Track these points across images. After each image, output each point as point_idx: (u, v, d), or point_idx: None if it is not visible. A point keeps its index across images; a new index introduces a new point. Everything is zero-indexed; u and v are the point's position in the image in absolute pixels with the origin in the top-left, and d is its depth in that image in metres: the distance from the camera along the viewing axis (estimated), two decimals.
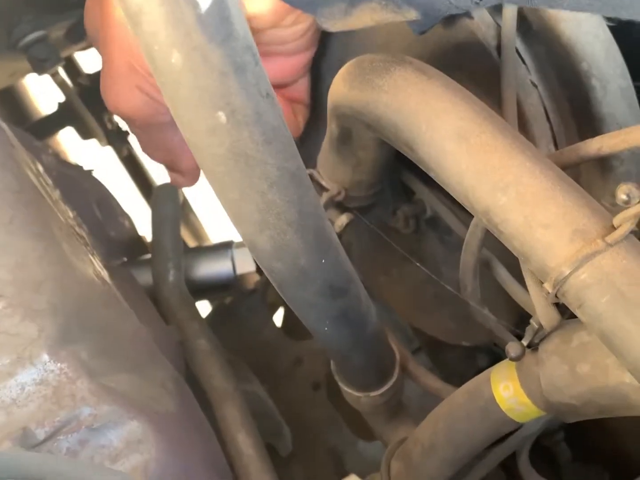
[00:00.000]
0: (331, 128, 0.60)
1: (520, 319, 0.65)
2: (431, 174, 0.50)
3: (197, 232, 1.22)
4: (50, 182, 0.80)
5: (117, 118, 1.39)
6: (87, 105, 1.34)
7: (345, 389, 0.71)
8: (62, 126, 1.41)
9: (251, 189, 0.42)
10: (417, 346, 0.98)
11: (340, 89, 0.55)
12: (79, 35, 1.05)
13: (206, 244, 1.24)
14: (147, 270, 0.92)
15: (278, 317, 1.16)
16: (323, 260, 0.49)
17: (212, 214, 1.39)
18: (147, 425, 0.60)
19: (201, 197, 1.32)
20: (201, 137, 0.40)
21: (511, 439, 0.64)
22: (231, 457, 0.80)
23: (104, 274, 0.74)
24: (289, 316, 1.16)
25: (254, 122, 0.40)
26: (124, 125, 1.40)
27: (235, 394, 0.84)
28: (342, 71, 0.55)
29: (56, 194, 0.81)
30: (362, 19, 0.55)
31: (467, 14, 0.56)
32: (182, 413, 0.67)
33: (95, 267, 0.72)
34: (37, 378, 0.58)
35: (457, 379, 0.81)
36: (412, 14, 0.53)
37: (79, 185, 0.96)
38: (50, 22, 1.00)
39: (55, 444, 0.56)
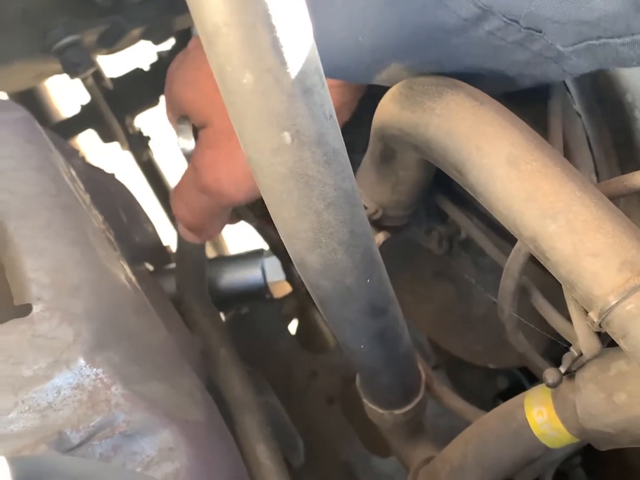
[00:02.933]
0: (374, 147, 0.60)
1: (550, 344, 0.66)
2: (479, 199, 0.51)
3: (217, 242, 1.23)
4: (82, 186, 0.81)
5: (138, 122, 1.41)
6: (111, 108, 1.35)
7: (369, 405, 0.72)
8: (83, 129, 1.42)
9: (308, 208, 0.43)
10: (435, 364, 0.98)
11: (390, 109, 0.55)
12: (111, 41, 1.06)
13: (226, 253, 1.25)
14: (171, 279, 0.92)
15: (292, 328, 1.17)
16: (368, 280, 0.49)
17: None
18: (178, 434, 0.60)
19: None
20: (265, 155, 0.41)
21: (537, 464, 0.64)
22: (250, 467, 0.81)
23: (134, 280, 0.75)
24: (303, 328, 1.16)
25: (316, 143, 0.41)
26: (145, 130, 1.41)
27: (255, 405, 0.84)
28: (391, 91, 0.56)
29: (87, 198, 0.82)
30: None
31: None
32: (209, 422, 0.68)
33: (126, 273, 0.73)
34: (73, 382, 0.58)
35: (476, 400, 0.82)
36: (527, 84, 0.55)
37: (106, 190, 0.97)
38: (84, 27, 1.01)
39: (89, 448, 0.57)
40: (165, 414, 0.61)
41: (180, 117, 0.79)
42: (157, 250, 1.02)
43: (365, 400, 0.72)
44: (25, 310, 0.60)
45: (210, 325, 0.88)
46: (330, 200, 0.43)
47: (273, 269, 0.94)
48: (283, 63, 0.38)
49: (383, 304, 0.53)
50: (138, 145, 1.39)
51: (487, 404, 0.87)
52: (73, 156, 0.91)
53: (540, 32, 0.48)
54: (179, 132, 0.80)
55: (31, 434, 0.55)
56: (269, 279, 0.93)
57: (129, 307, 0.67)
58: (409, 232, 0.70)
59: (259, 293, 0.94)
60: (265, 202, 0.44)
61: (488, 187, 0.49)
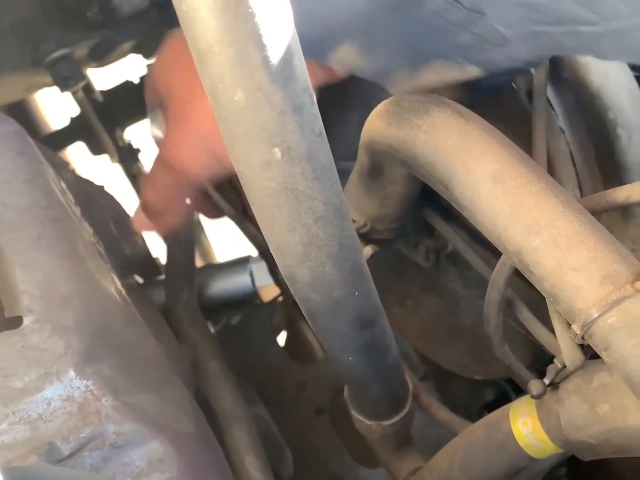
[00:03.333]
0: (362, 161, 0.61)
1: (534, 356, 0.67)
2: (464, 213, 0.52)
3: (205, 251, 1.23)
4: (72, 199, 0.82)
5: (128, 135, 1.41)
6: (101, 121, 1.35)
7: (357, 416, 0.73)
8: (73, 141, 1.42)
9: (298, 223, 0.44)
10: (422, 375, 0.99)
11: (377, 125, 0.56)
12: (101, 54, 1.07)
13: (213, 262, 1.26)
14: (160, 291, 0.93)
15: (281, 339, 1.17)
16: (356, 293, 0.50)
17: (218, 234, 1.40)
18: (168, 445, 0.61)
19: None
20: (256, 171, 0.41)
21: (522, 474, 0.65)
22: (239, 479, 0.81)
23: (124, 292, 0.76)
24: (292, 339, 1.17)
25: (306, 159, 0.41)
26: (135, 143, 1.41)
27: (245, 417, 0.85)
28: (379, 108, 0.57)
29: (78, 210, 0.82)
30: (426, 80, 0.56)
31: None
32: (198, 433, 0.68)
33: (116, 285, 0.73)
34: (63, 394, 0.58)
35: (463, 411, 0.83)
36: (475, 71, 0.55)
37: (95, 202, 0.97)
38: (74, 40, 1.02)
39: (80, 460, 0.57)
40: (155, 425, 0.61)
41: (152, 105, 0.80)
42: (147, 262, 1.02)
43: (353, 412, 0.73)
44: (15, 322, 0.60)
45: (200, 337, 0.89)
46: (319, 215, 0.44)
47: (261, 273, 0.95)
48: (274, 81, 0.39)
49: (371, 316, 0.54)
50: (128, 157, 1.39)
51: (473, 415, 0.87)
52: (63, 168, 0.91)
53: (483, 13, 0.49)
54: (151, 120, 0.81)
55: (22, 445, 0.56)
56: (258, 283, 0.94)
57: (118, 318, 0.68)
58: (397, 245, 0.71)
59: (249, 299, 0.95)
60: (256, 216, 0.45)
61: (473, 202, 0.50)
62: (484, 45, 0.51)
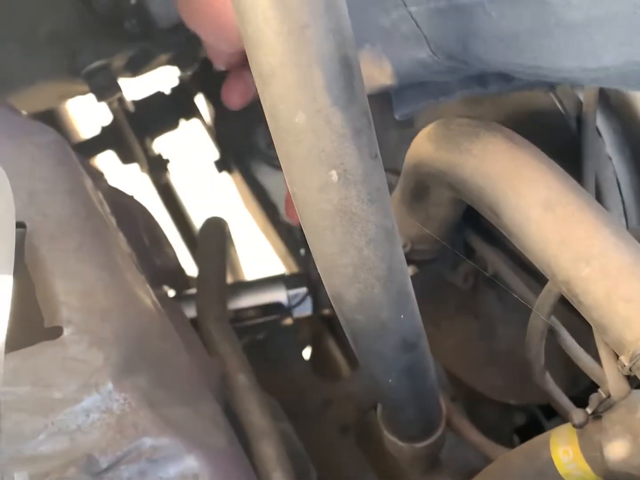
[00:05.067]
0: (406, 182, 0.61)
1: (571, 383, 0.67)
2: (512, 239, 0.52)
3: (234, 267, 1.23)
4: (108, 209, 0.82)
5: (158, 145, 1.42)
6: (132, 130, 1.36)
7: (389, 437, 0.72)
8: (103, 149, 1.43)
9: (350, 245, 0.44)
10: (452, 396, 0.98)
11: (426, 147, 0.56)
12: (138, 66, 1.07)
13: (241, 277, 1.26)
14: (190, 303, 0.93)
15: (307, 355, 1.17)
16: (402, 316, 0.50)
17: (248, 250, 1.41)
18: (203, 460, 0.61)
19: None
20: (311, 193, 0.42)
21: None
22: None
23: (159, 304, 0.76)
24: (317, 356, 1.16)
25: (362, 182, 0.41)
26: (165, 154, 1.42)
27: (273, 432, 0.85)
28: (427, 130, 0.57)
29: (113, 221, 0.83)
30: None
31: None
32: (230, 449, 0.68)
33: (152, 297, 0.73)
34: (101, 406, 0.58)
35: (492, 434, 0.82)
36: (387, 69, 0.51)
37: (129, 213, 0.98)
38: (113, 51, 1.02)
39: (117, 473, 0.57)
40: (190, 440, 0.61)
41: None
42: (178, 274, 1.02)
43: (385, 432, 0.72)
44: (55, 332, 0.61)
45: (230, 351, 0.88)
46: (371, 237, 0.44)
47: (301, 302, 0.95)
48: (335, 104, 0.39)
49: (414, 338, 0.54)
50: (157, 168, 1.40)
51: (503, 439, 0.87)
52: (98, 178, 0.92)
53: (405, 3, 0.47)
54: None
55: (60, 457, 0.56)
56: (297, 315, 0.94)
57: (154, 331, 0.68)
58: (436, 267, 0.71)
59: (282, 311, 0.95)
60: (307, 238, 0.45)
61: (523, 229, 0.50)
62: (396, 37, 0.49)
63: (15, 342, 0.63)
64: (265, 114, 0.40)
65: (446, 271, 0.73)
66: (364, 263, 0.45)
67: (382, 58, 0.50)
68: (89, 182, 0.77)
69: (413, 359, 0.55)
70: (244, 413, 0.85)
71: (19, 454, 0.55)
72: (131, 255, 0.79)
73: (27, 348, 0.59)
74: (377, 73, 0.51)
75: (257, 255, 1.44)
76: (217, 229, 0.98)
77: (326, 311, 1.06)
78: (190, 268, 1.08)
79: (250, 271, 1.33)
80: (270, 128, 0.40)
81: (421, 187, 0.60)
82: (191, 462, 0.60)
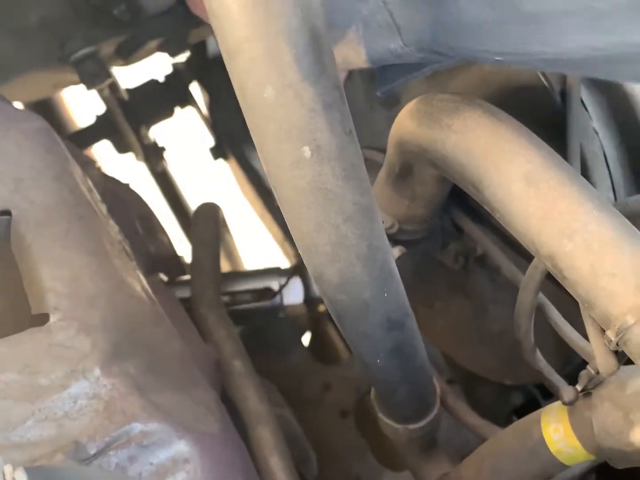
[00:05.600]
0: (391, 161, 0.61)
1: (564, 361, 0.66)
2: (496, 215, 0.51)
3: (230, 253, 1.23)
4: (98, 197, 0.82)
5: (153, 133, 1.41)
6: (126, 119, 1.36)
7: (384, 419, 0.72)
8: (99, 139, 1.42)
9: (326, 222, 0.43)
10: (449, 378, 0.98)
11: (407, 124, 0.55)
12: (128, 53, 1.07)
13: (238, 265, 1.25)
14: (185, 290, 0.93)
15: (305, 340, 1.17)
16: (385, 294, 0.49)
17: (246, 237, 1.40)
18: (193, 445, 0.60)
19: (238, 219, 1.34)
20: (284, 170, 0.41)
21: None
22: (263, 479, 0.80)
23: (150, 290, 0.75)
24: (316, 340, 1.16)
25: (336, 158, 0.41)
26: (160, 142, 1.41)
27: (270, 417, 0.84)
28: (409, 107, 0.56)
29: (104, 208, 0.82)
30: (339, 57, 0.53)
31: None
32: (224, 434, 0.68)
33: (142, 283, 0.73)
34: (89, 392, 0.58)
35: (490, 415, 0.82)
36: (362, 57, 0.52)
37: (122, 200, 0.97)
38: (101, 38, 1.02)
39: (105, 459, 0.57)
40: (181, 425, 0.61)
41: None
42: (172, 261, 1.02)
43: (380, 415, 0.72)
44: (42, 319, 0.60)
45: (225, 336, 0.88)
46: (348, 214, 0.43)
47: (292, 290, 0.94)
48: (304, 78, 0.38)
49: (400, 317, 0.53)
50: (153, 156, 1.39)
51: (501, 420, 0.86)
52: (89, 166, 0.91)
53: None
54: None
55: (48, 443, 0.55)
56: (286, 302, 0.93)
57: (145, 317, 0.68)
58: (425, 247, 0.71)
59: (274, 311, 0.94)
60: (284, 216, 0.44)
61: (505, 204, 0.49)
62: (372, 25, 0.49)
63: (1, 329, 0.63)
64: (235, 89, 0.39)
65: (436, 251, 0.72)
66: (342, 241, 0.44)
67: (360, 42, 0.50)
68: (77, 170, 0.76)
69: (400, 338, 0.55)
70: (240, 399, 0.85)
71: (5, 440, 0.55)
72: (122, 242, 0.79)
73: (14, 335, 0.59)
74: (353, 56, 0.51)
75: (254, 241, 1.43)
76: (210, 215, 0.98)
77: (321, 307, 1.06)
78: (189, 255, 1.07)
79: (247, 257, 1.33)
80: (240, 104, 0.40)
81: (406, 166, 0.59)
82: (181, 447, 0.60)
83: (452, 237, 0.71)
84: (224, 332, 0.88)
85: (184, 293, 0.93)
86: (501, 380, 0.77)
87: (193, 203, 1.48)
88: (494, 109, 0.52)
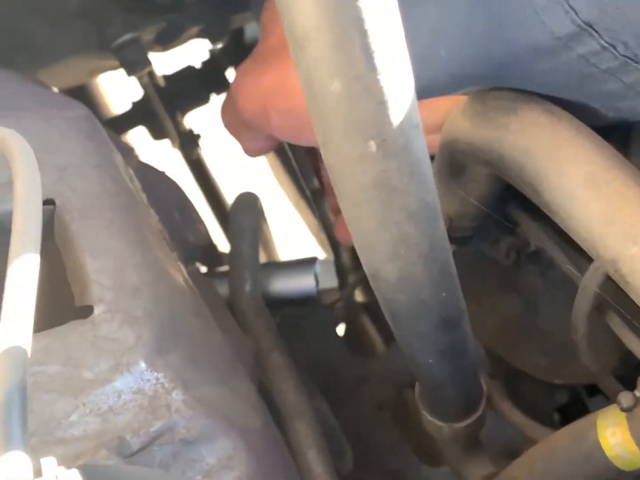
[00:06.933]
0: (441, 159, 0.59)
1: (619, 362, 0.64)
2: (556, 219, 0.49)
3: (266, 244, 1.21)
4: (139, 185, 0.81)
5: (189, 121, 1.40)
6: (163, 105, 1.35)
7: (428, 416, 0.70)
8: (134, 125, 1.42)
9: (389, 220, 0.42)
10: (490, 371, 0.96)
11: (461, 124, 0.54)
12: (168, 39, 1.06)
13: (274, 255, 1.24)
14: (223, 282, 0.92)
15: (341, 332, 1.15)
16: (444, 294, 0.48)
17: (280, 227, 1.39)
18: (238, 442, 0.59)
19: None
20: (348, 164, 0.39)
21: None
22: (301, 474, 0.79)
23: (190, 281, 0.74)
24: (352, 333, 1.14)
25: (402, 153, 0.39)
26: (196, 129, 1.40)
27: (308, 410, 0.83)
28: (462, 106, 0.54)
29: (144, 197, 0.81)
30: None
31: None
32: (265, 429, 0.67)
33: (183, 274, 0.72)
34: (133, 386, 0.57)
35: (533, 413, 0.80)
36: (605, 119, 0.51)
37: (160, 189, 0.96)
38: (142, 24, 1.01)
39: (149, 455, 0.56)
40: (224, 421, 0.60)
41: None
42: (210, 251, 1.01)
43: (423, 412, 0.71)
44: (85, 311, 0.59)
45: (264, 329, 0.87)
46: (411, 212, 0.42)
47: (326, 275, 0.92)
48: (373, 70, 0.36)
49: (456, 317, 0.52)
50: (188, 143, 1.38)
51: (544, 418, 0.85)
52: (129, 154, 0.90)
53: (638, 61, 0.45)
54: None
55: (92, 438, 0.54)
56: (321, 286, 0.92)
57: (187, 308, 0.67)
58: (476, 243, 0.69)
59: (310, 300, 0.93)
60: (343, 212, 0.43)
61: (566, 207, 0.48)
62: (629, 94, 0.48)
63: (45, 321, 0.62)
64: (299, 80, 0.38)
65: (486, 247, 0.71)
66: (404, 239, 0.43)
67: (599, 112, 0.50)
68: (118, 158, 0.75)
69: (454, 338, 0.53)
70: (278, 392, 0.84)
71: (49, 436, 0.54)
72: (162, 232, 0.78)
73: (57, 327, 0.58)
74: None
75: (290, 231, 1.42)
76: (250, 205, 0.96)
77: (357, 298, 1.04)
78: (222, 244, 1.06)
79: (283, 248, 1.31)
80: (304, 95, 0.38)
81: (458, 165, 0.58)
82: (226, 444, 0.59)
83: (504, 231, 0.69)
84: (263, 325, 0.87)
85: (222, 284, 0.92)
86: (551, 379, 0.76)
87: (228, 191, 1.47)
88: (553, 107, 0.50)
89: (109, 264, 0.62)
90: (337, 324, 1.13)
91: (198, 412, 0.58)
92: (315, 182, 0.98)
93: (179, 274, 0.69)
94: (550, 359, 0.74)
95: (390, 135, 0.38)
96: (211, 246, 1.02)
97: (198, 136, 1.40)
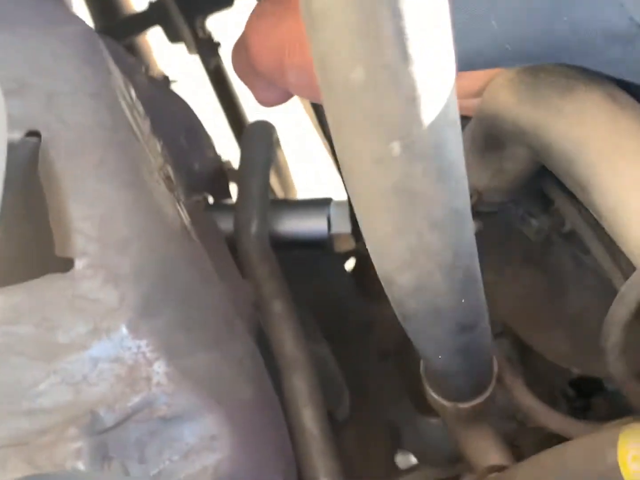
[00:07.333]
0: (477, 130, 0.51)
1: None
2: (603, 223, 0.42)
3: (282, 177, 1.14)
4: (141, 110, 0.73)
5: (210, 26, 1.31)
6: (179, 7, 1.26)
7: (433, 394, 0.65)
8: (150, 25, 1.33)
9: (408, 228, 0.35)
10: (500, 330, 0.90)
11: (505, 97, 0.46)
12: None
13: (290, 191, 1.16)
14: (229, 216, 0.85)
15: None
16: (463, 300, 0.42)
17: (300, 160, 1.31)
18: (223, 420, 0.54)
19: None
20: (365, 165, 0.32)
21: None
22: (293, 431, 0.75)
23: (190, 225, 0.68)
24: (362, 276, 1.07)
25: (431, 157, 0.32)
26: (216, 36, 1.31)
27: (307, 364, 0.78)
28: (509, 76, 0.46)
29: (146, 124, 0.74)
30: None
31: None
32: (257, 397, 0.62)
33: (182, 219, 0.66)
34: (112, 354, 0.52)
35: (544, 387, 0.75)
36: None
37: (167, 111, 0.89)
38: None
39: (124, 432, 0.51)
40: (210, 396, 0.54)
41: None
42: (217, 180, 0.94)
43: (428, 389, 0.65)
44: (65, 264, 0.53)
45: (268, 273, 0.81)
46: (436, 220, 0.35)
47: (339, 218, 0.86)
48: (406, 58, 0.29)
49: (473, 321, 0.46)
50: (207, 50, 1.30)
51: (556, 392, 0.79)
52: (135, 72, 0.82)
53: None
54: None
55: (61, 411, 0.49)
56: (334, 231, 0.85)
57: (182, 260, 0.60)
58: (504, 218, 0.62)
59: (321, 245, 0.87)
60: (355, 211, 0.36)
61: (617, 213, 0.41)
62: None
63: (21, 270, 0.56)
64: (314, 63, 0.30)
65: (516, 220, 0.64)
66: (425, 248, 0.36)
67: None
68: (119, 83, 0.68)
69: (469, 339, 0.47)
70: (276, 342, 0.78)
71: (14, 405, 0.49)
72: (164, 167, 0.71)
73: (33, 281, 0.52)
74: None
75: (307, 156, 1.34)
76: (263, 135, 0.89)
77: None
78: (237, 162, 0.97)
79: (301, 178, 1.23)
80: (318, 81, 0.31)
81: (496, 141, 0.50)
82: (209, 422, 0.54)
83: (537, 208, 0.63)
84: (267, 269, 0.81)
85: (228, 219, 0.85)
86: (570, 366, 0.70)
87: (247, 106, 1.39)
88: (617, 92, 0.43)
89: (96, 211, 0.56)
90: (348, 266, 1.06)
91: (181, 386, 0.53)
92: None
93: (176, 219, 0.63)
94: (571, 345, 0.68)
95: (419, 136, 0.31)
96: (219, 174, 0.95)
97: (218, 44, 1.32)
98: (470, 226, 0.38)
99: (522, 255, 0.68)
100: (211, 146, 0.94)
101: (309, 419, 0.76)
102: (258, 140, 0.88)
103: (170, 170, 0.74)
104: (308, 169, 1.38)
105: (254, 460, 0.56)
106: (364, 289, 1.02)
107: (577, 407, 0.81)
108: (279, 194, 1.01)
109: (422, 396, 0.99)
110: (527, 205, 0.62)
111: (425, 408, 1.00)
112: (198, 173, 0.90)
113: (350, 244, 0.86)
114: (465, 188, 0.36)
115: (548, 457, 0.54)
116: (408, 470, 0.97)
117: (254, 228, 0.82)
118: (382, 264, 0.38)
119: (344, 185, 0.35)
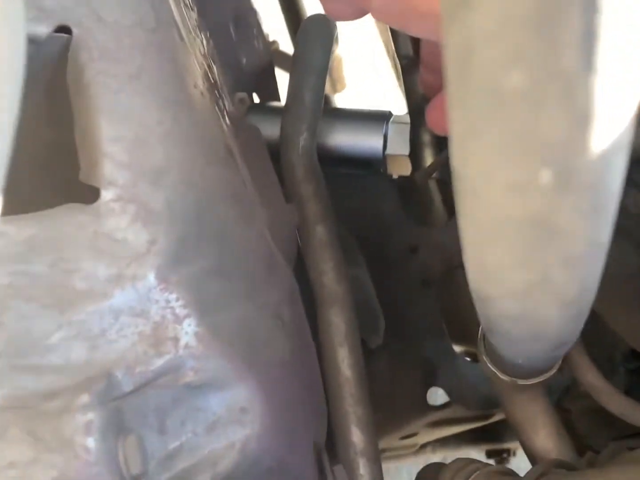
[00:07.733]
0: None
1: None
2: None
3: (337, 80, 1.02)
4: (189, 2, 0.64)
5: None
6: None
7: (490, 367, 0.58)
8: None
9: (534, 262, 0.27)
10: None
11: None
12: None
13: (339, 86, 1.05)
14: (276, 121, 0.75)
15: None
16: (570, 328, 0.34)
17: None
18: (255, 390, 0.47)
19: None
20: (495, 190, 0.24)
21: None
22: (326, 372, 0.69)
23: (233, 140, 0.60)
24: (413, 199, 0.97)
25: (589, 190, 0.24)
26: None
27: (347, 299, 0.71)
28: None
29: (193, 16, 0.65)
30: None
31: None
32: (295, 355, 0.55)
33: (225, 138, 0.57)
34: (136, 307, 0.44)
35: (605, 356, 0.68)
36: None
37: None
38: None
39: (143, 398, 0.44)
40: (243, 361, 0.48)
41: None
42: (265, 77, 0.84)
43: (484, 358, 0.58)
44: (89, 195, 0.45)
45: (312, 194, 0.72)
46: (571, 257, 0.27)
47: (398, 137, 0.76)
48: (587, 67, 0.20)
49: (573, 338, 0.38)
50: None
51: (617, 364, 0.73)
52: None
53: None
54: None
55: (74, 371, 0.42)
56: (389, 151, 0.76)
57: (221, 196, 0.52)
58: None
59: (373, 166, 0.77)
60: (462, 233, 0.28)
61: None
62: None
63: (36, 196, 0.48)
64: (446, 59, 0.21)
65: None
66: (547, 284, 0.28)
67: None
68: None
69: (559, 354, 0.40)
70: (315, 272, 0.71)
71: (20, 359, 0.42)
72: (209, 70, 0.62)
73: (50, 211, 0.44)
74: None
75: (369, 61, 1.22)
76: (322, 32, 0.78)
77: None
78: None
79: (356, 85, 1.12)
80: (447, 77, 0.22)
81: None
82: (240, 394, 0.47)
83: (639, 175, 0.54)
84: (311, 188, 0.72)
85: (274, 124, 0.76)
86: None
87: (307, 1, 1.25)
88: None
89: (129, 132, 0.47)
90: (399, 186, 0.97)
91: (211, 349, 0.46)
92: (409, 49, 0.79)
93: (219, 143, 0.55)
94: None
95: (581, 165, 0.22)
96: (268, 72, 0.85)
97: None
98: (602, 262, 0.29)
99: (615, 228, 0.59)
100: (263, 38, 0.84)
101: (344, 359, 0.70)
102: (316, 37, 0.77)
103: (215, 72, 0.65)
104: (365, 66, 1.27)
105: (286, 433, 0.50)
106: (414, 215, 0.94)
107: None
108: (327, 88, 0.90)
109: (461, 333, 0.93)
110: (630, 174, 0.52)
111: (463, 340, 0.95)
112: (245, 68, 0.80)
113: (406, 169, 0.77)
114: (612, 219, 0.27)
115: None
116: (438, 408, 0.92)
117: (302, 141, 0.73)
118: (484, 290, 0.30)
119: (456, 200, 0.26)
